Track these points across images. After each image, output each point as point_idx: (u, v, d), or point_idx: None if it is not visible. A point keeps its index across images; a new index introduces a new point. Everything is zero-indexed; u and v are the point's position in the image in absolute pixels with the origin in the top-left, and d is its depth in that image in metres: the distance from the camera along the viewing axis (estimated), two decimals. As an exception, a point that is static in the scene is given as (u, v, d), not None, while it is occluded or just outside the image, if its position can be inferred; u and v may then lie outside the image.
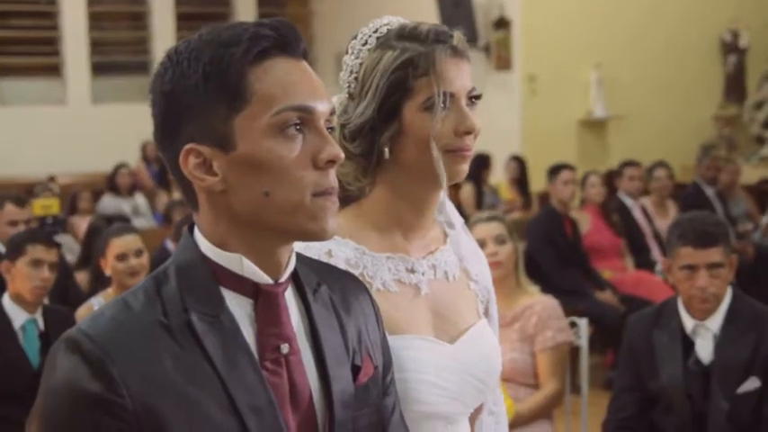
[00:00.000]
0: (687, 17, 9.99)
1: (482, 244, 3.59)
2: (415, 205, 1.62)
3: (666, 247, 3.18)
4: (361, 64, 1.57)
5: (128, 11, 12.44)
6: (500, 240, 3.61)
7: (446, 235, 1.70)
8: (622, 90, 9.81)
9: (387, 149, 1.56)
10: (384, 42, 1.57)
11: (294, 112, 1.20)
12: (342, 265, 1.52)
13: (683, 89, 10.05)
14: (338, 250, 1.55)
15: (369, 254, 1.57)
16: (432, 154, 1.54)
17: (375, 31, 1.58)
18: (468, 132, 1.56)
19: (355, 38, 1.59)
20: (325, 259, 1.52)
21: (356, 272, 1.53)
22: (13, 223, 4.88)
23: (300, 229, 1.23)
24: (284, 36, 1.23)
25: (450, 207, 1.73)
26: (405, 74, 1.53)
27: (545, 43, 9.49)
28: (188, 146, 1.21)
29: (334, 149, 1.22)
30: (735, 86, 10.36)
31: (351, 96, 1.59)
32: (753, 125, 10.19)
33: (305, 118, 1.22)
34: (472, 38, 9.56)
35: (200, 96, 1.20)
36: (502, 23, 9.62)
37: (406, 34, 1.57)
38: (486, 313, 1.73)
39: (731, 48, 10.30)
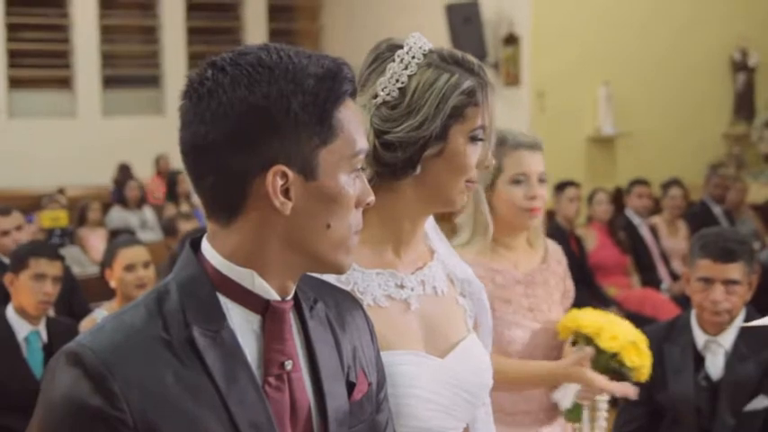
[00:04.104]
0: (697, 35, 9.98)
1: (524, 178, 2.58)
2: (415, 221, 1.64)
3: (689, 258, 3.16)
4: (410, 76, 1.58)
5: (139, 24, 12.50)
6: (542, 178, 2.61)
7: (432, 251, 1.71)
8: (631, 107, 9.80)
9: (420, 166, 1.57)
10: (433, 62, 1.59)
11: (362, 155, 1.29)
12: (332, 282, 1.52)
13: (692, 107, 10.03)
14: None
15: (359, 269, 1.58)
16: (459, 180, 1.58)
17: (420, 47, 1.60)
18: (487, 167, 1.62)
19: (399, 47, 1.59)
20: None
21: (347, 288, 1.53)
22: (5, 233, 4.95)
23: (335, 261, 1.28)
24: (355, 80, 1.30)
25: None
26: (466, 100, 1.58)
27: (554, 60, 9.49)
28: (278, 166, 1.21)
29: (372, 194, 1.31)
30: (744, 105, 10.34)
31: (386, 104, 1.58)
32: (761, 144, 10.17)
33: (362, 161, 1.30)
34: (481, 54, 9.62)
35: (299, 121, 1.22)
36: (511, 40, 9.62)
37: (460, 60, 1.61)
38: (476, 326, 1.73)
39: (740, 66, 10.29)
